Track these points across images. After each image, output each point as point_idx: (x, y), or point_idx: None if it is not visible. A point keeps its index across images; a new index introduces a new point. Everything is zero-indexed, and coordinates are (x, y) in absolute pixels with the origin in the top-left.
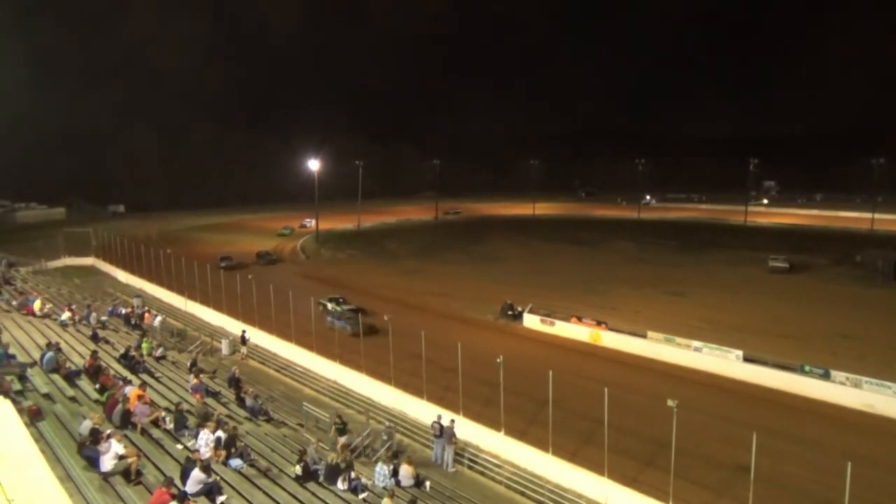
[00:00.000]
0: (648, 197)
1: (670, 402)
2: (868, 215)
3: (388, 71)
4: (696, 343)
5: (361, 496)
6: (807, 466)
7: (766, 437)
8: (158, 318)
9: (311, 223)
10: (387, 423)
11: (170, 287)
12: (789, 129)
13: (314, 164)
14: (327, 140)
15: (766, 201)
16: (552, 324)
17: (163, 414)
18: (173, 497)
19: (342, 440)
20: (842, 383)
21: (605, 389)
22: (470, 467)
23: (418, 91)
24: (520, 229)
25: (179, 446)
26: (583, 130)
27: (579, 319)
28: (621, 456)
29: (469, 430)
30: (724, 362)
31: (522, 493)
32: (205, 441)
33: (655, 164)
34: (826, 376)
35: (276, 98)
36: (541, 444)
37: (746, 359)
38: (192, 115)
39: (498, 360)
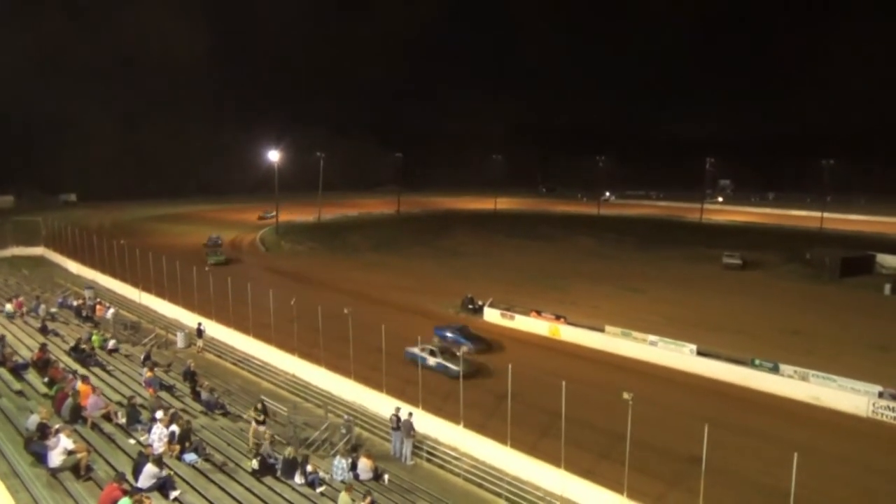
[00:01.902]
0: (608, 194)
1: (626, 395)
2: (817, 214)
3: (356, 62)
4: (651, 337)
5: (319, 490)
6: (756, 457)
7: (718, 429)
8: (111, 311)
9: (271, 215)
10: (346, 417)
11: (123, 278)
12: (750, 131)
13: (274, 155)
14: (289, 131)
15: (721, 199)
16: (512, 318)
17: (115, 408)
18: (125, 493)
19: (259, 428)
20: (790, 377)
21: (563, 383)
22: (428, 460)
23: (385, 83)
24: (482, 224)
25: (132, 441)
26: (546, 127)
27: (539, 314)
28: (578, 448)
29: (428, 424)
30: (679, 356)
31: (480, 486)
32: (158, 436)
33: (618, 162)
34: (775, 370)
35: (238, 88)
36: (500, 437)
37: (700, 353)
38: (149, 104)
39: (459, 353)
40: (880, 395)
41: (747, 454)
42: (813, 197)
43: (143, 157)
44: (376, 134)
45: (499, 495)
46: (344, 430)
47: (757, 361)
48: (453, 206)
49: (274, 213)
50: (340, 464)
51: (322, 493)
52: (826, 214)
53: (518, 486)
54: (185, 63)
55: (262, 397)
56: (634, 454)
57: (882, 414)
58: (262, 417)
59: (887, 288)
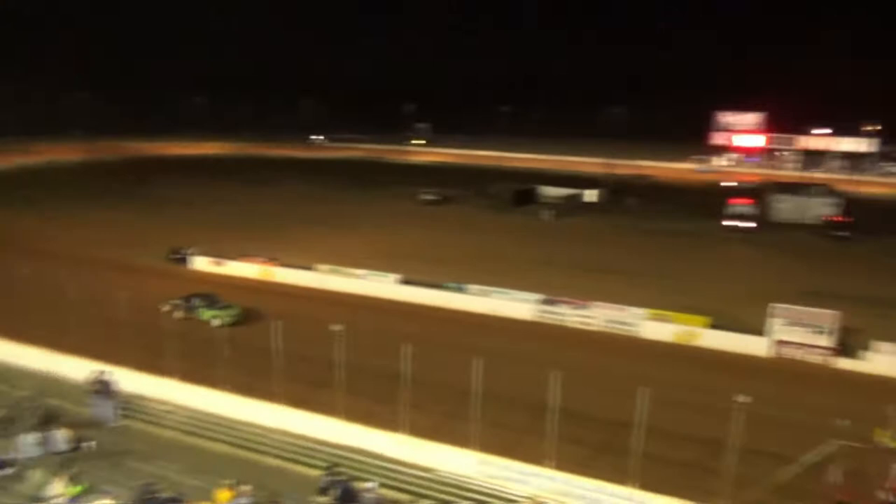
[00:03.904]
0: (322, 137)
1: (335, 327)
2: (499, 153)
3: None
4: (359, 271)
5: (4, 473)
6: (449, 364)
7: (421, 346)
8: None
9: None
10: (30, 391)
11: None
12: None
13: None
14: None
15: (421, 142)
16: (223, 264)
17: None
18: None
19: None
20: (475, 295)
21: (279, 323)
22: (137, 419)
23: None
24: (188, 170)
25: None
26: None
27: (250, 258)
28: (295, 382)
29: (136, 381)
30: (385, 286)
31: (196, 434)
32: None
33: (329, 107)
34: (462, 290)
35: None
36: (211, 382)
37: (403, 281)
38: None
39: (164, 309)
40: (543, 301)
41: (442, 363)
42: (497, 139)
43: None
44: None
45: (216, 441)
46: (31, 404)
47: (447, 284)
48: (157, 151)
49: None
50: (26, 440)
51: (9, 476)
52: (506, 154)
53: (238, 429)
54: None
55: None
56: (349, 379)
57: (544, 316)
58: None
59: (546, 214)
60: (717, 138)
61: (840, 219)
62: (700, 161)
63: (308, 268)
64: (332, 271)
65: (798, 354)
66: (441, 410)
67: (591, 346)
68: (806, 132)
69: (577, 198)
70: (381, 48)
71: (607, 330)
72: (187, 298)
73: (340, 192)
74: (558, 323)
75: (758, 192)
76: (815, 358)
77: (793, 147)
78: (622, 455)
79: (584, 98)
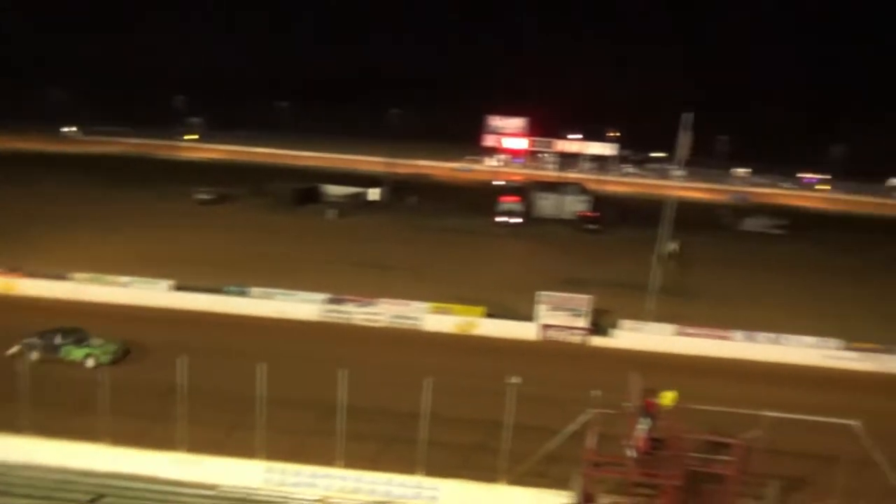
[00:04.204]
0: (75, 128)
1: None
2: (278, 151)
3: None
4: (125, 278)
5: None
6: (233, 371)
7: (199, 354)
8: None
9: None
10: None
11: None
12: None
13: None
14: None
15: (193, 137)
16: None
17: None
18: None
19: None
20: (258, 298)
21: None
22: None
23: None
24: None
25: None
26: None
27: None
28: (40, 407)
29: None
30: (156, 293)
31: None
32: None
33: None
34: (244, 293)
35: None
36: None
37: (178, 287)
38: None
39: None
40: (328, 301)
41: (226, 371)
42: (283, 135)
43: None
44: None
45: None
46: None
47: (227, 288)
48: None
49: None
50: None
51: None
52: (283, 151)
53: None
54: None
55: None
56: (113, 399)
57: (330, 316)
58: None
59: (330, 213)
60: (489, 140)
61: (590, 214)
62: (468, 161)
63: (62, 277)
64: (91, 280)
65: (561, 336)
66: (224, 421)
67: (377, 341)
68: (562, 136)
69: (360, 196)
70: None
71: (393, 325)
72: (42, 335)
73: (101, 191)
74: (345, 321)
75: (523, 191)
76: (574, 338)
77: (551, 150)
78: (410, 445)
79: (367, 98)
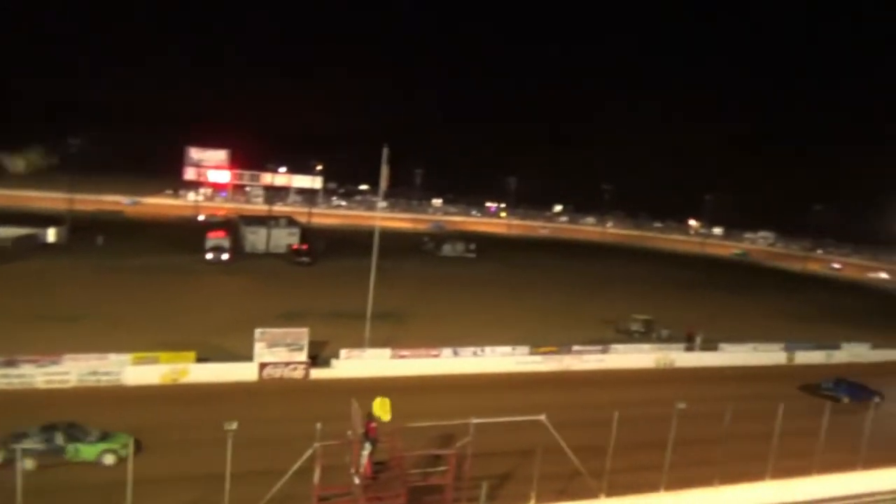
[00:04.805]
0: None
1: None
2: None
3: None
4: None
5: None
6: None
7: None
8: None
9: None
10: None
11: None
12: None
13: None
14: None
15: None
16: None
17: None
18: None
19: None
20: None
21: None
22: None
23: None
24: None
25: None
26: None
27: None
28: None
29: None
30: None
31: None
32: None
33: None
34: None
35: None
36: None
37: None
38: None
39: None
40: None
41: None
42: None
43: None
44: None
45: None
46: None
47: None
48: None
49: None
50: None
51: None
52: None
53: None
54: None
55: None
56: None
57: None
58: None
59: None
60: (190, 173)
61: (301, 247)
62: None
63: None
64: None
65: (281, 373)
66: None
67: (65, 405)
68: (268, 169)
69: (33, 238)
70: None
71: (85, 384)
72: (28, 436)
73: None
74: (25, 387)
75: (231, 225)
76: (296, 373)
77: (259, 183)
78: None
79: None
